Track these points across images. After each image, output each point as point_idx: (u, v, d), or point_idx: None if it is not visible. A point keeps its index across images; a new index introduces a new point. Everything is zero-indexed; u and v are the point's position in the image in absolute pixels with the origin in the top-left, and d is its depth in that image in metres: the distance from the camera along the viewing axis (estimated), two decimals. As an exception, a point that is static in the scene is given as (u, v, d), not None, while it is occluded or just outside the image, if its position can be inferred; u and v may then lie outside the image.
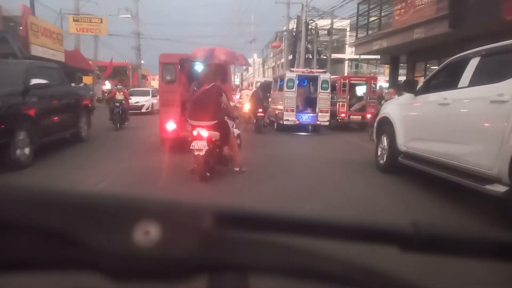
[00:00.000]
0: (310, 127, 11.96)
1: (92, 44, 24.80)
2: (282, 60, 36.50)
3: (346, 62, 39.58)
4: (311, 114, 11.80)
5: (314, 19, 23.42)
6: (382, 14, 15.59)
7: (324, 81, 11.62)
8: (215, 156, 5.36)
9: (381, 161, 6.07)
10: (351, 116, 12.84)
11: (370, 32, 16.78)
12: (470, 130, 4.06)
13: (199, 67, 8.79)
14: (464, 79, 4.27)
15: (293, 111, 11.54)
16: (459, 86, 4.33)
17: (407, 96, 5.64)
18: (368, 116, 12.16)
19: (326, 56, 26.25)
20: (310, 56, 25.51)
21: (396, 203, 4.46)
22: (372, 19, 16.90)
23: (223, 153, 5.61)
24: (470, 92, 4.14)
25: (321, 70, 12.67)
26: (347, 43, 33.53)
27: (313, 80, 12.30)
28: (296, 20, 25.76)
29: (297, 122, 11.60)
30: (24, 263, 0.33)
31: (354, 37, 25.87)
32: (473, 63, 4.23)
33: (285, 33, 28.65)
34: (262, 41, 65.36)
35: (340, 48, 34.48)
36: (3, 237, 0.32)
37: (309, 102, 12.27)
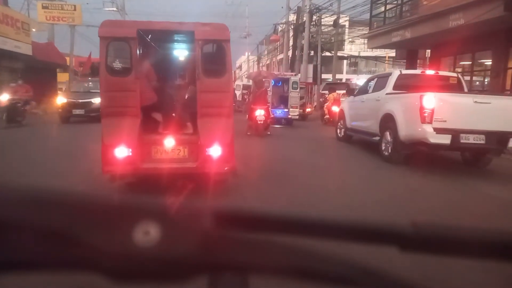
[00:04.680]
0: (283, 120, 14.47)
1: (78, 38, 22.22)
2: (280, 57, 34.30)
3: (345, 60, 37.81)
4: (283, 110, 14.30)
5: (319, 8, 21.20)
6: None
7: (294, 82, 14.29)
8: (265, 124, 10.56)
9: (340, 135, 10.19)
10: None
11: (383, 22, 14.76)
12: (370, 114, 8.05)
13: (180, 52, 6.31)
14: (371, 88, 8.46)
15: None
16: (369, 92, 8.50)
17: (350, 97, 9.82)
18: (308, 110, 16.95)
19: (331, 53, 24.25)
20: (312, 53, 23.41)
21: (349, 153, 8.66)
22: (388, 7, 14.84)
23: (267, 123, 10.67)
24: (371, 95, 8.28)
25: (292, 73, 16.66)
26: (346, 39, 31.65)
27: (286, 81, 14.97)
28: (296, 12, 23.66)
29: (272, 116, 13.21)
30: (24, 263, 0.33)
31: (353, 34, 23.92)
32: (375, 81, 8.52)
33: (284, 25, 26.34)
34: (257, 36, 62.79)
35: (339, 46, 32.54)
36: (3, 237, 0.31)
37: (282, 100, 14.81)
